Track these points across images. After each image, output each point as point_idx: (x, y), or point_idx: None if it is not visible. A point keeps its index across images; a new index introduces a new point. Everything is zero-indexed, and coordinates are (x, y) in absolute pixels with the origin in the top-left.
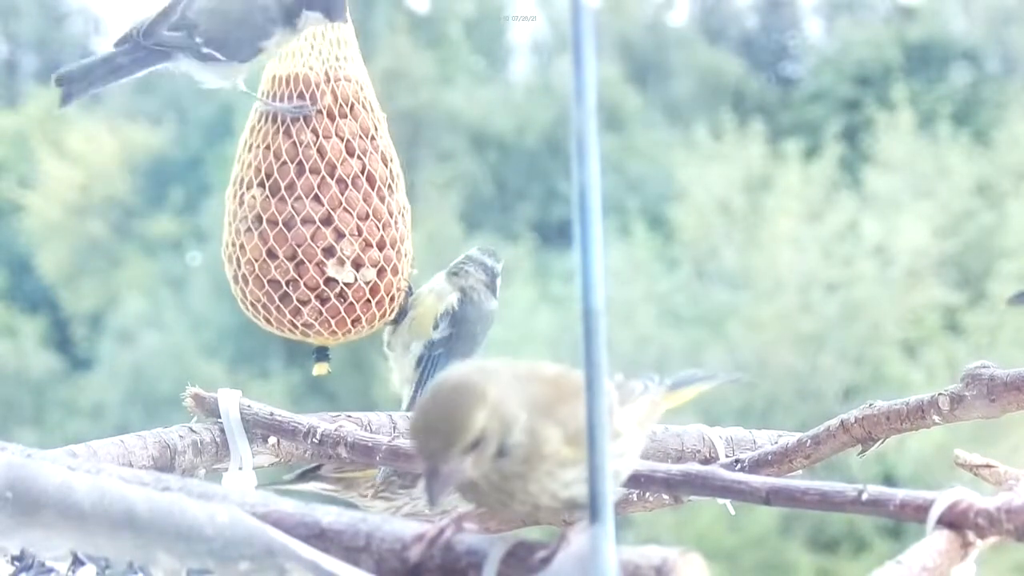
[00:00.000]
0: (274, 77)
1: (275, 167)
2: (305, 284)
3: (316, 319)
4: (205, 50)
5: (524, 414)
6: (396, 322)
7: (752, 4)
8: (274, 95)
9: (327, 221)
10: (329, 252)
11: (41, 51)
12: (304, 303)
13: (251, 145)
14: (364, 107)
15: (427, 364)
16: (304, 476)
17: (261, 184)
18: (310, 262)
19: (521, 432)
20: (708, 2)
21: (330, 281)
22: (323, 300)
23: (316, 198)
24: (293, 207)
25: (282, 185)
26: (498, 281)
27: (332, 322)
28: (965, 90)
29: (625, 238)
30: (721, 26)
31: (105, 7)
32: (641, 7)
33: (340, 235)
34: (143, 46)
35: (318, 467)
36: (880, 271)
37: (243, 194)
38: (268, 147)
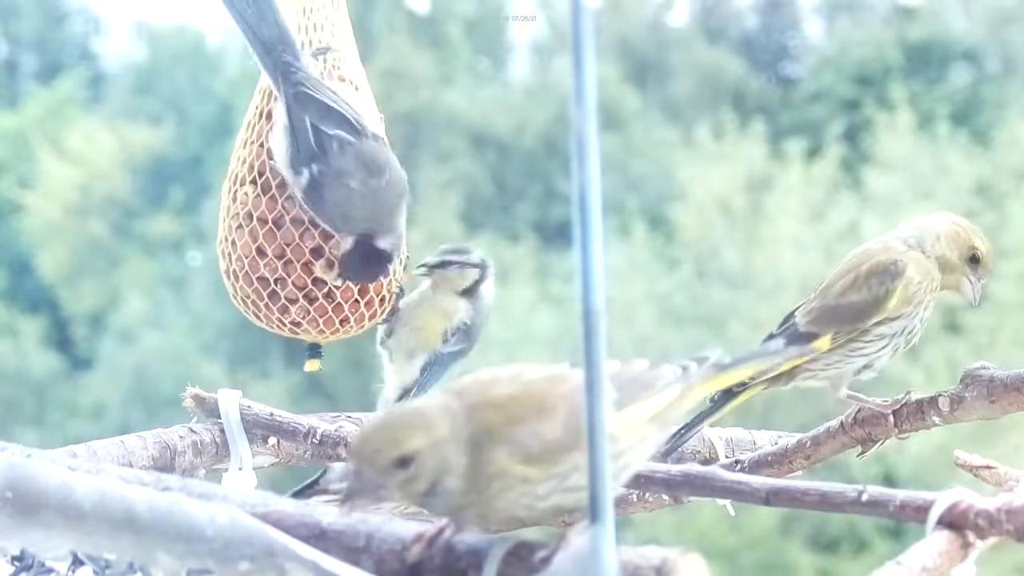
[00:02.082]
0: None
1: (268, 165)
2: (293, 283)
3: (304, 318)
4: (303, 170)
5: (464, 459)
6: (387, 322)
7: (752, 4)
8: (272, 92)
9: (315, 222)
10: (317, 253)
11: (41, 51)
12: (292, 302)
13: (246, 141)
14: None
15: (433, 369)
16: (303, 492)
17: (253, 181)
18: (298, 262)
19: (458, 478)
20: (708, 2)
21: (318, 281)
22: (311, 300)
23: None
24: (283, 206)
25: (273, 183)
26: (489, 272)
27: (320, 321)
28: (965, 90)
29: (625, 238)
30: (721, 26)
31: (105, 7)
32: (641, 7)
33: (328, 236)
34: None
35: (316, 481)
36: None
37: (237, 190)
38: (262, 144)
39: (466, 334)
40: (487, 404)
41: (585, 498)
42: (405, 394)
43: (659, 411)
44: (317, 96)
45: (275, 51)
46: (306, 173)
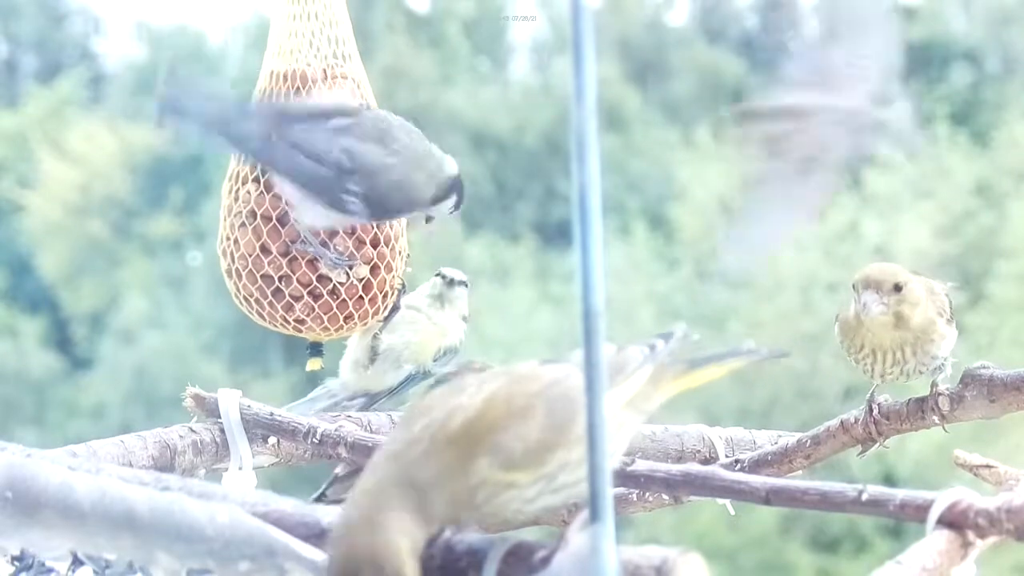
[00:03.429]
0: (272, 73)
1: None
2: (297, 280)
3: (308, 315)
4: (350, 199)
5: (439, 513)
6: (388, 319)
7: (752, 4)
8: (272, 91)
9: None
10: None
11: (41, 51)
12: (296, 299)
13: None
14: None
15: (414, 381)
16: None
17: (256, 179)
18: (302, 259)
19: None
20: (708, 2)
21: (322, 278)
22: (315, 296)
23: None
24: (286, 203)
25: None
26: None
27: (324, 318)
28: (965, 90)
29: (625, 238)
30: (721, 26)
31: (105, 7)
32: (641, 7)
33: (334, 234)
34: (274, 140)
35: (324, 493)
36: None
37: (238, 189)
38: None
39: (452, 357)
40: (458, 412)
41: (576, 494)
42: (372, 401)
43: (633, 395)
44: (293, 130)
45: (250, 143)
46: (351, 195)
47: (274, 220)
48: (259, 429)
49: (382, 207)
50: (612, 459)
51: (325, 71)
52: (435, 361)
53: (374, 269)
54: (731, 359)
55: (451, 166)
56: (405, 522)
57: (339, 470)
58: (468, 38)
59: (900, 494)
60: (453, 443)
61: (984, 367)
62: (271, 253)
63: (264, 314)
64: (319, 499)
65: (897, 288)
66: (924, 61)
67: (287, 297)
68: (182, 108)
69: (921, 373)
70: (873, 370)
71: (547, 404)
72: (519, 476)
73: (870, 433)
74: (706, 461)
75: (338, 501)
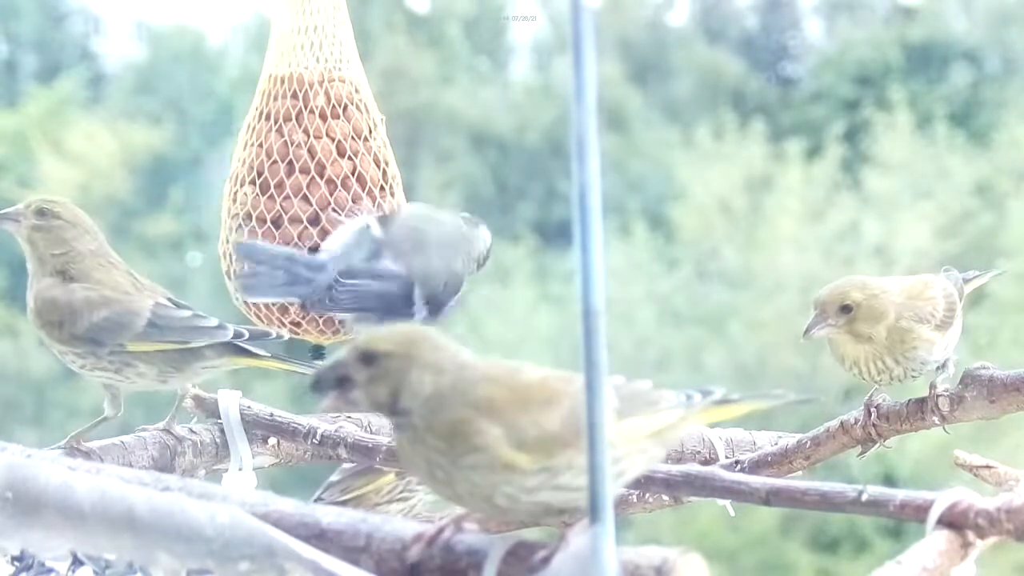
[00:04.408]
0: (271, 77)
1: (267, 165)
2: None
3: (304, 318)
4: (415, 310)
5: (429, 390)
6: None
7: (752, 4)
8: (271, 94)
9: (315, 221)
10: (316, 251)
11: (41, 51)
12: (291, 302)
13: (247, 143)
14: (358, 108)
15: None
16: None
17: (253, 182)
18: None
19: (421, 406)
20: (708, 2)
21: None
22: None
23: (304, 198)
24: (282, 205)
25: (272, 183)
26: None
27: (320, 321)
28: (965, 90)
29: (625, 238)
30: (721, 26)
31: (105, 7)
32: (641, 7)
33: (327, 235)
34: (338, 287)
35: (317, 500)
36: (881, 271)
37: (237, 191)
38: (261, 145)
39: None
40: (498, 381)
41: (577, 500)
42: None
43: (661, 428)
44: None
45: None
46: (415, 306)
47: (269, 222)
48: (259, 430)
49: (440, 302)
50: (624, 478)
51: (322, 73)
52: None
53: None
54: (758, 401)
55: (485, 238)
56: (431, 354)
57: (335, 476)
58: (468, 38)
59: (900, 494)
60: (484, 393)
61: (984, 367)
62: None
63: (262, 316)
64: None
65: (845, 309)
66: (924, 61)
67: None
68: (257, 258)
69: (915, 376)
70: (863, 377)
71: (573, 403)
72: (522, 459)
73: (870, 434)
74: (706, 462)
75: (337, 503)
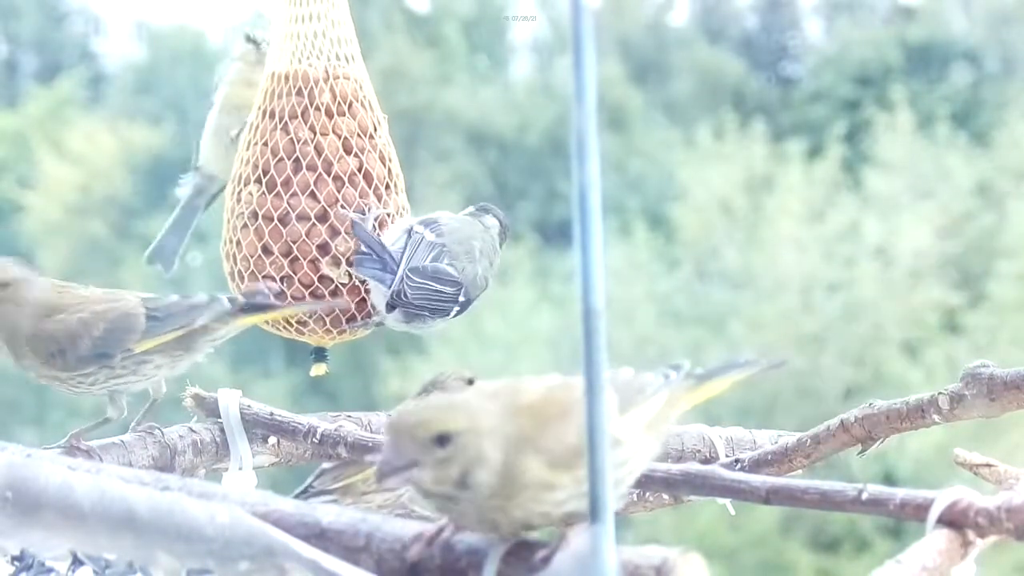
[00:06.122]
0: (274, 74)
1: (272, 163)
2: (299, 281)
3: (310, 317)
4: (456, 308)
5: (500, 456)
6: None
7: (752, 4)
8: (274, 92)
9: (322, 218)
10: (324, 249)
11: (41, 51)
12: (298, 300)
13: (250, 142)
14: (363, 106)
15: None
16: (300, 497)
17: (258, 180)
18: (304, 259)
19: (491, 474)
20: (708, 2)
21: (324, 279)
22: (317, 298)
23: (312, 195)
24: (289, 203)
25: (278, 181)
26: None
27: (327, 320)
28: (965, 90)
29: (625, 238)
30: (721, 26)
31: (105, 7)
32: (641, 7)
33: (335, 232)
34: (414, 283)
35: (311, 485)
36: (881, 272)
37: (241, 191)
38: (266, 144)
39: None
40: (520, 409)
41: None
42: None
43: (653, 417)
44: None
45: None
46: (458, 305)
47: (275, 221)
48: (259, 429)
49: (468, 304)
50: (633, 476)
51: (326, 71)
52: None
53: None
54: (732, 372)
55: (496, 233)
56: (485, 420)
57: (327, 464)
58: (468, 38)
59: (900, 493)
60: (518, 428)
61: (984, 366)
62: (273, 254)
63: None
64: (305, 491)
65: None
66: (924, 61)
67: (289, 298)
68: (365, 240)
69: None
70: None
71: (581, 410)
72: (557, 477)
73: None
74: (706, 461)
75: (324, 492)
